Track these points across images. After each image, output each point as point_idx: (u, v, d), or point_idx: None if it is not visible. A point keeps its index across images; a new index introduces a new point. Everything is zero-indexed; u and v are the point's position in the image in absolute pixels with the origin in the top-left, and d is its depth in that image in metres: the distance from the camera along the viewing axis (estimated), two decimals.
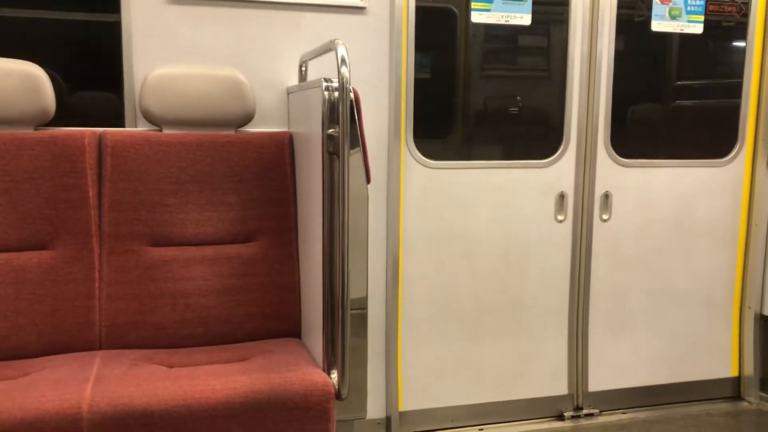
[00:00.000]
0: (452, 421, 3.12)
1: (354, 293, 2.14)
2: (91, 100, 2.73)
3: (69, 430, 1.83)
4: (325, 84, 2.09)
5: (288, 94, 2.71)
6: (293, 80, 2.73)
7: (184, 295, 2.43)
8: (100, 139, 2.42)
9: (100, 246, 2.39)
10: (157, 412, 1.89)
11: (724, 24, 3.28)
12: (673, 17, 3.17)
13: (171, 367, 2.18)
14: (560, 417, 3.26)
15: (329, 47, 2.09)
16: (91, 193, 2.38)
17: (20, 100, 2.34)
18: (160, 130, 2.52)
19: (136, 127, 2.58)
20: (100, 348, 2.36)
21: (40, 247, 2.35)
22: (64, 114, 2.55)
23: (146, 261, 2.42)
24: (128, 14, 2.54)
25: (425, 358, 3.06)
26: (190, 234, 2.47)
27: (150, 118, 2.50)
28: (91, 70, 2.72)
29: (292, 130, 2.62)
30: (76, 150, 2.37)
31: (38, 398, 1.87)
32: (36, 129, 2.41)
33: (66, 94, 2.64)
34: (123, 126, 2.59)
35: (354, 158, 2.12)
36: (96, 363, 2.17)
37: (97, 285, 2.37)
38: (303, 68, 2.68)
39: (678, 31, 3.20)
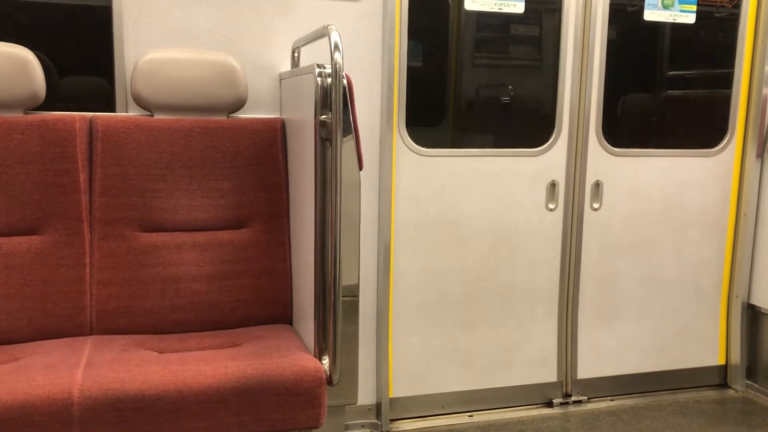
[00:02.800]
0: (442, 407, 3.14)
1: (345, 280, 2.15)
2: (81, 84, 2.70)
3: (60, 415, 1.83)
4: (318, 70, 2.08)
5: (280, 79, 2.70)
6: (286, 66, 2.71)
7: (174, 280, 2.42)
8: (91, 123, 2.40)
9: (90, 231, 2.38)
10: (148, 396, 1.89)
11: (716, 14, 3.28)
12: (665, 7, 3.17)
13: (162, 353, 2.18)
14: (549, 404, 3.28)
15: (322, 33, 2.08)
16: (82, 178, 2.37)
17: (10, 83, 2.32)
18: (151, 115, 2.51)
19: (127, 112, 2.56)
20: (91, 333, 2.36)
21: (31, 232, 2.33)
22: (55, 98, 2.53)
23: (137, 246, 2.41)
24: None
25: (416, 345, 3.07)
26: (181, 220, 2.47)
27: (141, 103, 2.49)
28: (81, 54, 2.70)
29: (285, 116, 2.61)
30: (67, 135, 2.35)
31: (29, 383, 1.86)
32: (25, 113, 2.39)
33: (56, 78, 2.61)
34: (114, 111, 2.57)
35: (346, 145, 2.12)
36: (86, 348, 2.16)
37: (87, 270, 2.36)
38: (296, 54, 2.66)
39: (670, 20, 3.21)
